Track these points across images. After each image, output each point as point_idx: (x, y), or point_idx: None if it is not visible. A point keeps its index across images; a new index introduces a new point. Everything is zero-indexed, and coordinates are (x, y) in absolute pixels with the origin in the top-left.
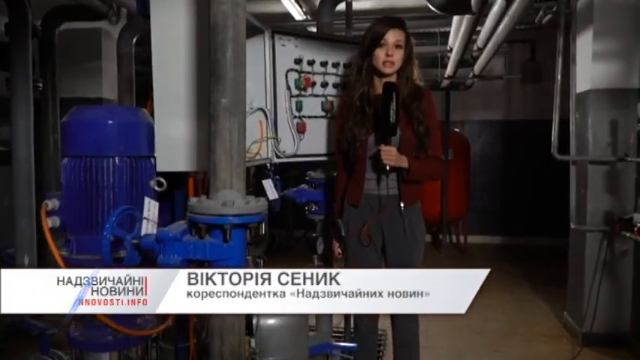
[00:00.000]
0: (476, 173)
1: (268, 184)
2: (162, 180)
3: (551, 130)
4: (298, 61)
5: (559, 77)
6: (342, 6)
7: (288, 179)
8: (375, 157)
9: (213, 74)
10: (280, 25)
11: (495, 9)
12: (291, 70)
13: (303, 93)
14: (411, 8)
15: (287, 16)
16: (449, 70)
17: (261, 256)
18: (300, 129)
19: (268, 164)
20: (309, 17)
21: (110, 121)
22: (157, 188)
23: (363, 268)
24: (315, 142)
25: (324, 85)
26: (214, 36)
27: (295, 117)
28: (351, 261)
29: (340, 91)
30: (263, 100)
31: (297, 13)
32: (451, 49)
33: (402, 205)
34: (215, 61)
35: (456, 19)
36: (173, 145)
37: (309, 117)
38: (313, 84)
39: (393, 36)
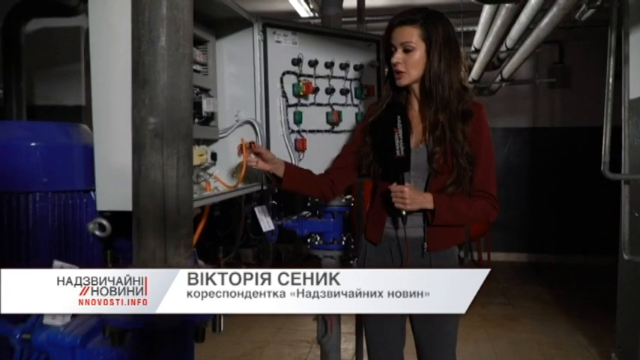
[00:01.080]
0: (500, 185)
1: (262, 212)
2: (104, 223)
3: (584, 139)
4: (297, 62)
5: (611, 80)
6: (351, 2)
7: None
8: (385, 198)
9: (135, 77)
10: (274, 17)
11: None
12: (288, 72)
13: (302, 102)
14: (431, 5)
15: (293, 14)
16: (474, 74)
17: None
18: (299, 147)
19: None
20: (316, 14)
21: (31, 144)
22: (97, 233)
23: (383, 334)
24: (318, 162)
25: (330, 91)
26: (137, 12)
27: (293, 132)
28: (369, 322)
29: (350, 99)
30: (252, 110)
31: (304, 11)
32: (477, 50)
33: (424, 247)
34: (138, 54)
35: (485, 14)
36: (118, 175)
37: (311, 131)
38: (316, 90)
39: (398, 36)
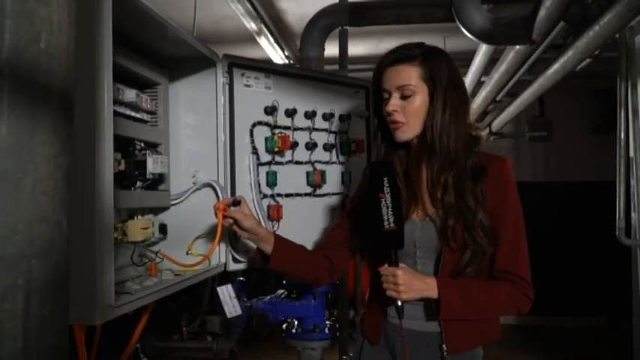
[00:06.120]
0: None
1: (226, 293)
2: None
3: (568, 193)
4: (271, 111)
5: (622, 136)
6: (332, 50)
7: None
8: (379, 283)
9: None
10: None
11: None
12: (260, 123)
13: (278, 159)
14: None
15: (267, 62)
16: None
17: (234, 350)
18: (274, 215)
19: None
20: (292, 61)
21: None
22: None
23: None
24: (296, 233)
25: (311, 146)
26: None
27: (265, 196)
28: None
29: (336, 155)
30: (214, 169)
31: (279, 58)
32: None
33: (444, 350)
34: None
35: (478, 61)
36: None
37: (288, 196)
38: (294, 145)
39: (393, 78)
